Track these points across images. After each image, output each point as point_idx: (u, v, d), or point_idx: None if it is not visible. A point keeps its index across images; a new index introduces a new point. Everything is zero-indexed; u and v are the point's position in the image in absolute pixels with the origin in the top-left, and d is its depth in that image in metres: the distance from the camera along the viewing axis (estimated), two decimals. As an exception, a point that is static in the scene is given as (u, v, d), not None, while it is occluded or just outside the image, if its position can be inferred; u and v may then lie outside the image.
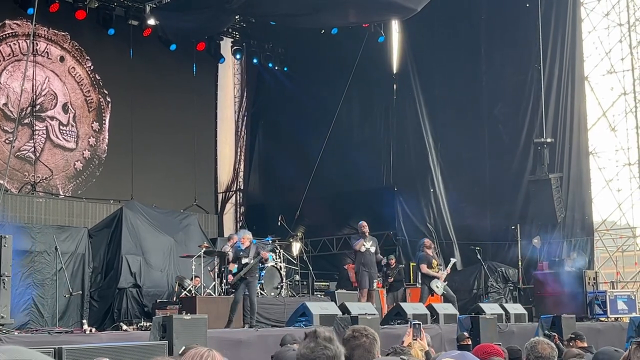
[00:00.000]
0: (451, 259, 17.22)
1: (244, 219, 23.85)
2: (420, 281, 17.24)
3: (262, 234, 18.05)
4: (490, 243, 19.82)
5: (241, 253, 14.28)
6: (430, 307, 14.33)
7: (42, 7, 17.10)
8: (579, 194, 19.54)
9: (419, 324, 9.05)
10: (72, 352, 7.47)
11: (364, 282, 15.59)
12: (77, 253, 15.19)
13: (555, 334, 11.65)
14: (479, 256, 18.17)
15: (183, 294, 14.67)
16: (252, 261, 13.82)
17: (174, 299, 14.93)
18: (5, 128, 18.61)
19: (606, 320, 16.73)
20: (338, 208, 21.22)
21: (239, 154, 24.55)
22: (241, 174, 24.54)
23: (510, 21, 20.09)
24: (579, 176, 19.61)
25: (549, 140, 19.40)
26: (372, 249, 15.67)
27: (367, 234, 15.68)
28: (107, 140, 20.87)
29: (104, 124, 20.90)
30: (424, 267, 15.87)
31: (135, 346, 8.36)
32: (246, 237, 14.40)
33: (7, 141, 18.20)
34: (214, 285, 14.79)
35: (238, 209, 24.28)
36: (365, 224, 15.77)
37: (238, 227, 23.57)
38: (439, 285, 15.68)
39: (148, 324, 12.56)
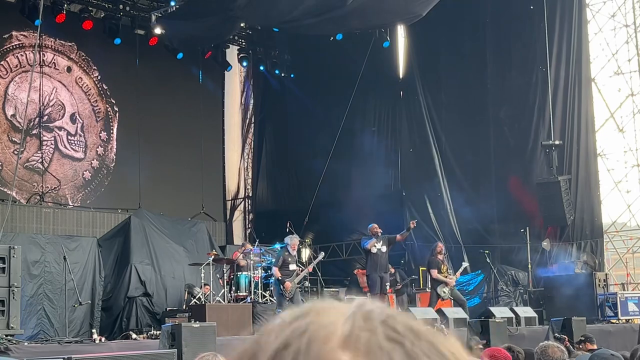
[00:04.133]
0: (462, 263, 17.20)
1: (253, 226, 23.88)
2: (430, 286, 17.26)
3: (271, 241, 18.07)
4: (499, 246, 19.79)
5: (289, 259, 14.30)
6: (439, 312, 14.31)
7: (49, 18, 17.18)
8: (587, 196, 19.50)
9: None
10: (82, 362, 7.50)
11: (376, 286, 15.47)
12: (87, 263, 15.22)
13: (565, 336, 11.62)
14: (488, 260, 18.14)
15: (192, 301, 14.68)
16: (300, 269, 13.99)
17: (184, 307, 14.95)
18: (13, 139, 18.68)
19: (617, 322, 16.66)
20: (346, 214, 21.21)
21: (246, 161, 24.59)
22: (249, 180, 24.58)
23: (514, 23, 20.09)
24: (588, 178, 19.57)
25: (557, 142, 19.39)
26: (384, 249, 15.56)
27: (379, 234, 15.53)
28: (115, 150, 20.92)
29: (112, 133, 20.95)
30: (434, 272, 15.87)
31: (145, 355, 8.38)
32: (295, 243, 14.46)
33: (15, 152, 18.27)
34: (224, 293, 14.80)
35: (247, 216, 24.30)
36: (376, 225, 15.68)
37: (247, 234, 23.61)
38: (445, 290, 15.68)
39: (158, 332, 12.59)
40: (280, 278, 14.16)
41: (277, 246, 16.89)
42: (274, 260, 15.64)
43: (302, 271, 14.72)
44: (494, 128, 20.27)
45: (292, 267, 14.24)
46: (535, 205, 19.30)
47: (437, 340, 0.80)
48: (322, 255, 15.79)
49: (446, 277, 15.88)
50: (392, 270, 18.21)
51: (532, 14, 19.65)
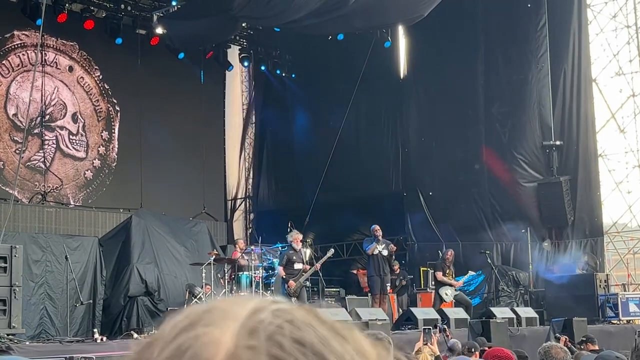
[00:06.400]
0: (469, 272, 17.26)
1: (254, 226, 23.89)
2: (430, 286, 17.34)
3: (271, 241, 18.08)
4: (500, 246, 19.79)
5: (294, 257, 14.18)
6: (440, 312, 14.33)
7: (50, 18, 17.18)
8: (588, 197, 19.49)
9: (429, 329, 9.07)
10: (84, 361, 7.50)
11: (376, 287, 15.52)
12: (88, 262, 15.21)
13: (564, 336, 11.64)
14: (489, 260, 18.14)
15: (194, 301, 14.67)
16: (308, 267, 13.84)
17: (185, 307, 14.92)
18: (15, 138, 18.70)
19: (618, 322, 16.68)
20: (347, 214, 21.22)
21: (247, 161, 24.60)
22: (250, 180, 24.59)
23: (511, 22, 20.04)
24: (588, 178, 19.57)
25: (558, 143, 19.40)
26: (385, 252, 15.61)
27: (380, 237, 15.61)
28: (116, 149, 20.94)
29: (114, 132, 20.97)
30: (438, 275, 16.00)
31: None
32: (298, 237, 14.31)
33: (17, 151, 18.28)
34: (225, 293, 14.80)
35: (247, 216, 24.32)
36: (378, 227, 15.74)
37: (248, 234, 23.62)
38: (448, 293, 15.76)
39: (159, 332, 12.56)
40: (284, 277, 14.13)
41: (278, 246, 16.88)
42: (275, 260, 15.62)
43: (309, 269, 14.65)
44: (490, 127, 20.21)
45: (298, 266, 14.16)
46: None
47: (327, 350, 0.77)
48: (331, 252, 15.68)
49: (450, 280, 16.01)
50: (397, 270, 18.24)
51: (529, 11, 19.67)
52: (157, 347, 0.79)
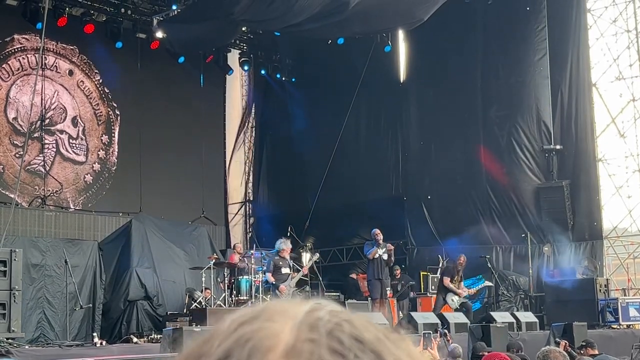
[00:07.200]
0: (486, 282, 17.28)
1: (253, 230, 23.87)
2: (430, 291, 17.30)
3: (271, 245, 18.06)
4: (500, 251, 19.77)
5: (280, 263, 14.26)
6: (440, 316, 14.31)
7: (51, 22, 17.17)
8: (588, 201, 19.49)
9: (429, 334, 9.04)
10: (83, 365, 7.50)
11: (376, 292, 15.50)
12: (88, 266, 15.19)
13: (564, 340, 11.63)
14: (489, 265, 18.13)
15: (193, 305, 14.67)
16: (294, 273, 13.90)
17: (185, 311, 14.94)
18: (15, 142, 18.70)
19: (618, 327, 16.66)
20: (347, 218, 21.23)
21: (247, 165, 24.60)
22: (250, 185, 24.58)
23: (510, 25, 20.03)
24: (588, 183, 19.56)
25: (558, 147, 19.41)
26: (385, 256, 15.60)
27: (381, 241, 15.61)
28: (116, 153, 20.93)
29: (114, 136, 20.96)
30: (446, 280, 15.97)
31: (146, 359, 8.39)
32: (287, 248, 14.44)
33: (17, 155, 18.28)
34: (224, 297, 14.79)
35: (247, 220, 24.31)
36: (379, 231, 15.72)
37: (247, 238, 23.61)
38: (454, 300, 15.73)
39: (159, 336, 12.58)
40: (274, 282, 14.15)
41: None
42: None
43: (297, 274, 14.73)
44: (487, 128, 20.20)
45: (285, 270, 14.21)
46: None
47: (384, 350, 0.80)
48: (317, 256, 15.87)
49: (456, 287, 15.99)
50: (399, 275, 18.21)
51: (529, 14, 19.67)
52: (217, 340, 0.81)
